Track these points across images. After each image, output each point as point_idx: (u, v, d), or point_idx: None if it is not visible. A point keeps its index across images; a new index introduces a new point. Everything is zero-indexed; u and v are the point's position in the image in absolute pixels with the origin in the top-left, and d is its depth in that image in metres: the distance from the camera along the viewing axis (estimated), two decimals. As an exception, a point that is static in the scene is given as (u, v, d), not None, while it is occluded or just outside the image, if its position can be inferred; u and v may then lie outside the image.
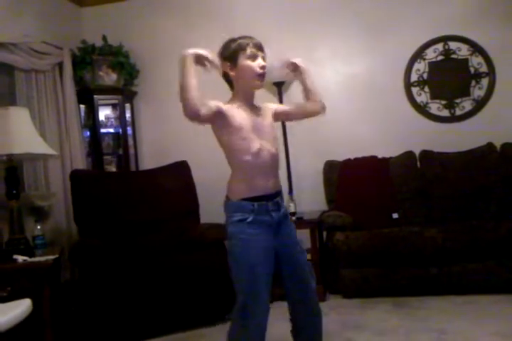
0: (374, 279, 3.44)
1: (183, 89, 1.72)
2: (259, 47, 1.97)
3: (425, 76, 4.28)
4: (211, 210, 3.95)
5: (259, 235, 1.90)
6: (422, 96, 4.29)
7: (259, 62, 1.94)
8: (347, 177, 4.01)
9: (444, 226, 3.47)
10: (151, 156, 4.68)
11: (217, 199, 4.28)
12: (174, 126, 4.62)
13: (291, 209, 3.76)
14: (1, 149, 2.99)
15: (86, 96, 4.32)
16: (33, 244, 3.22)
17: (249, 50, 1.93)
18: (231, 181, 1.99)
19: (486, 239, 3.29)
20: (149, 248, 3.43)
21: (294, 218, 3.63)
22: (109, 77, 4.44)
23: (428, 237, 3.36)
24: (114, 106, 4.52)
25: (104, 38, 4.49)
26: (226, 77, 2.01)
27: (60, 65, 4.12)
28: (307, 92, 2.16)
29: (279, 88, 4.11)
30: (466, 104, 4.21)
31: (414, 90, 4.30)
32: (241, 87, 1.99)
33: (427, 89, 4.28)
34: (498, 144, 3.90)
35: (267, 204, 1.92)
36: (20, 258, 2.81)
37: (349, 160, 4.13)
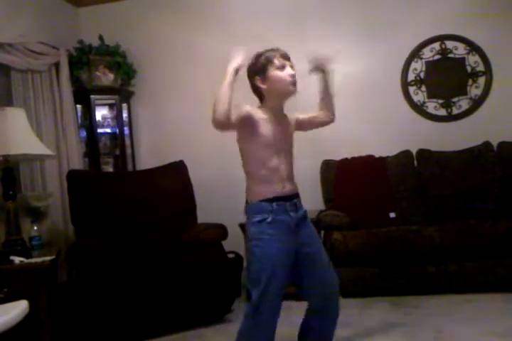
0: (372, 278, 3.44)
1: (219, 100, 1.81)
2: (286, 57, 2.06)
3: (422, 75, 4.28)
4: (208, 210, 3.98)
5: (279, 235, 1.97)
6: (419, 96, 4.29)
7: (288, 71, 2.02)
8: (344, 177, 4.01)
9: (442, 225, 3.48)
10: (148, 156, 4.68)
11: (214, 199, 4.36)
12: (171, 126, 4.63)
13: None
14: (-2, 150, 2.98)
15: (83, 96, 4.31)
16: (29, 245, 3.21)
17: (277, 62, 2.02)
18: (249, 185, 2.06)
19: (483, 237, 3.30)
20: (146, 248, 3.42)
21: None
22: (106, 77, 4.43)
23: (425, 236, 3.37)
24: (111, 106, 4.51)
25: (101, 38, 4.48)
26: (256, 90, 2.09)
27: (57, 65, 4.11)
28: (324, 96, 2.24)
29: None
30: (463, 103, 4.21)
31: (411, 89, 4.30)
32: (273, 98, 2.07)
33: (423, 88, 4.28)
34: (495, 143, 3.91)
35: (284, 205, 2.00)
36: (16, 259, 2.80)
37: (346, 159, 4.13)
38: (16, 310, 2.13)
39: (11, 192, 3.07)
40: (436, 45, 4.25)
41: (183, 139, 4.50)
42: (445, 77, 4.24)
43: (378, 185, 3.92)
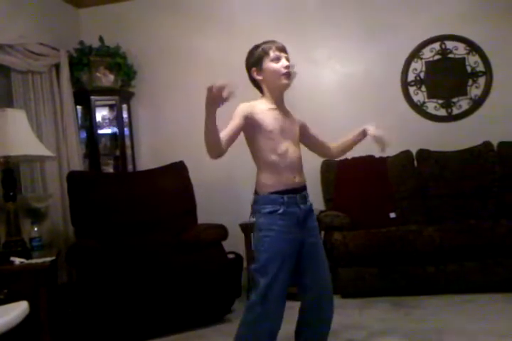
0: (372, 279, 3.44)
1: (209, 144, 1.85)
2: (282, 49, 2.11)
3: (422, 75, 4.28)
4: (208, 210, 3.99)
5: (289, 227, 2.01)
6: (419, 96, 4.29)
7: (283, 62, 2.07)
8: (344, 177, 4.01)
9: (442, 226, 3.48)
10: (148, 157, 4.68)
11: (214, 200, 4.36)
12: (171, 127, 4.64)
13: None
14: (-2, 151, 2.99)
15: (83, 97, 4.31)
16: (29, 245, 3.22)
17: (272, 54, 2.07)
18: (259, 177, 2.08)
19: (483, 237, 3.30)
20: (147, 249, 3.42)
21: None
22: (106, 78, 4.44)
23: (425, 236, 3.37)
24: (111, 107, 4.52)
25: (101, 39, 4.49)
26: (254, 82, 2.15)
27: (57, 66, 4.11)
28: (349, 145, 2.35)
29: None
30: (463, 103, 4.21)
31: (411, 89, 4.30)
32: (269, 89, 2.11)
33: (423, 88, 4.28)
34: (494, 143, 3.91)
35: (295, 197, 2.03)
36: (17, 260, 2.80)
37: (346, 159, 4.11)
38: (16, 310, 2.13)
39: (11, 194, 3.08)
40: (436, 45, 4.25)
41: (183, 140, 4.51)
42: (445, 77, 4.24)
43: (378, 185, 3.92)
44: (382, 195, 3.89)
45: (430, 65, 4.27)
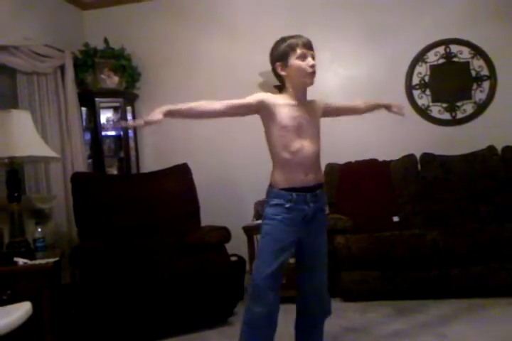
0: (374, 282, 3.43)
1: (189, 117, 2.04)
2: (309, 47, 2.06)
3: (426, 79, 4.28)
4: (212, 213, 3.98)
5: (292, 220, 2.00)
6: (424, 99, 4.29)
7: (309, 61, 2.03)
8: (348, 180, 4.00)
9: (445, 230, 3.47)
10: (152, 159, 4.69)
11: (217, 202, 4.35)
12: (175, 129, 4.63)
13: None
14: (3, 152, 2.99)
15: (87, 98, 4.32)
16: (33, 246, 3.22)
17: (299, 51, 2.02)
18: (273, 172, 2.09)
19: (487, 242, 3.29)
20: (150, 250, 3.43)
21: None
22: (111, 80, 4.45)
23: (429, 240, 3.36)
24: (115, 108, 4.53)
25: (106, 41, 4.50)
26: (276, 75, 2.11)
27: (62, 68, 4.12)
28: (375, 107, 2.48)
29: (280, 92, 4.10)
30: (468, 107, 4.21)
31: (416, 93, 4.30)
32: (293, 85, 2.08)
33: (428, 92, 4.28)
34: (499, 147, 3.91)
35: (305, 196, 2.02)
36: (20, 260, 2.81)
37: (350, 163, 4.13)
38: (19, 311, 2.14)
39: (15, 194, 3.08)
40: (441, 49, 4.25)
41: (187, 142, 4.51)
42: (449, 81, 4.24)
43: (382, 188, 3.92)
44: (386, 198, 3.88)
45: (435, 69, 4.27)
